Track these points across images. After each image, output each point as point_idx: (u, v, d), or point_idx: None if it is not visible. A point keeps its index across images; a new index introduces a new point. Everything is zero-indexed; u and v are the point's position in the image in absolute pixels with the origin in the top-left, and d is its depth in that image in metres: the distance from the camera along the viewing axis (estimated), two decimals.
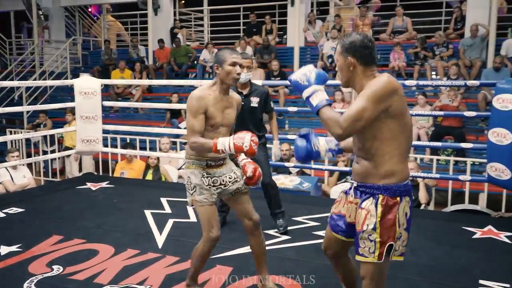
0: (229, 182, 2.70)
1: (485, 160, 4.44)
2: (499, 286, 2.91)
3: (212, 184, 2.66)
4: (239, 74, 2.59)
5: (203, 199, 2.62)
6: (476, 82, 4.93)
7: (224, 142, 2.45)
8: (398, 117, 1.98)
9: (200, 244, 2.69)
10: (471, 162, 6.12)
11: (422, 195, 5.07)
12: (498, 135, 3.94)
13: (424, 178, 5.05)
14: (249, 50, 10.27)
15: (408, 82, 5.31)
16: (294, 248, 3.51)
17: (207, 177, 2.65)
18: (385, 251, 2.01)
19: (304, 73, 2.09)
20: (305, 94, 2.06)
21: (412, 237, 2.96)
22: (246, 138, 2.42)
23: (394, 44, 9.17)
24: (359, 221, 2.06)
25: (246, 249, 3.47)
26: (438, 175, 5.19)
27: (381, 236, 2.00)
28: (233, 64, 2.57)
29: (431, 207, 5.54)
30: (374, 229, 2.01)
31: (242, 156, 2.71)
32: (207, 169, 2.65)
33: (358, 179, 2.12)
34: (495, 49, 8.37)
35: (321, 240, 3.64)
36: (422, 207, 5.11)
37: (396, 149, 2.01)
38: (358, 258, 2.07)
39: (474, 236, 3.80)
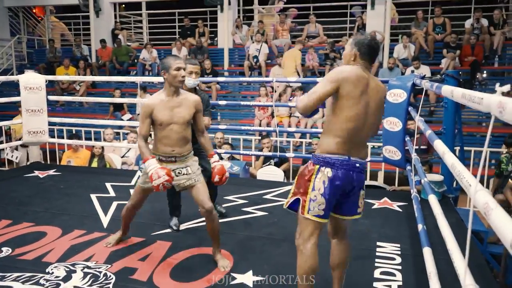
0: (177, 176, 2.76)
1: (381, 144, 4.67)
2: (392, 245, 3.10)
3: None
4: (183, 77, 2.69)
5: (143, 185, 2.83)
6: None
7: (149, 166, 2.64)
8: (345, 97, 2.00)
9: (128, 204, 2.97)
10: (372, 146, 6.43)
11: None
12: (391, 123, 4.15)
13: None
14: (184, 50, 10.09)
15: (320, 79, 5.44)
16: (226, 223, 3.52)
17: None
18: (291, 201, 2.09)
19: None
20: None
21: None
22: (160, 179, 2.58)
23: (308, 47, 9.38)
24: None
25: (182, 226, 3.45)
26: None
27: (294, 189, 2.11)
28: (178, 69, 2.68)
29: None
30: (292, 183, 2.17)
31: (214, 158, 2.85)
32: (159, 162, 2.74)
33: None
34: (389, 52, 8.83)
35: (249, 216, 3.70)
36: None
37: (334, 125, 2.04)
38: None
39: (373, 207, 3.99)
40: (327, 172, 2.03)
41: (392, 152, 4.23)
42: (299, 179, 2.09)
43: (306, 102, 2.02)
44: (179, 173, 2.78)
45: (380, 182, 5.86)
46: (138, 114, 2.83)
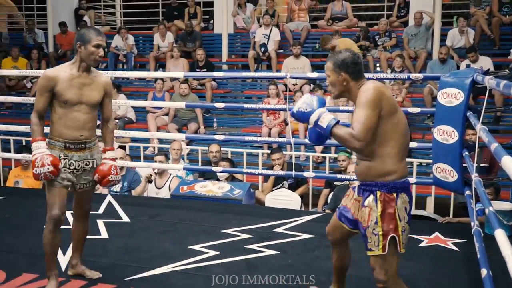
0: (84, 170, 3.12)
1: (430, 161, 4.65)
2: None
3: (68, 167, 3.05)
4: (100, 56, 3.01)
5: (54, 181, 3.03)
6: (420, 75, 5.17)
7: (37, 149, 2.95)
8: (389, 117, 2.45)
9: (45, 228, 3.15)
10: (418, 163, 6.41)
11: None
12: (443, 133, 4.14)
13: None
14: (170, 37, 10.18)
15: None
16: (223, 265, 3.51)
17: (63, 159, 3.04)
18: (387, 242, 2.48)
19: (304, 102, 2.53)
20: (312, 119, 2.50)
21: (354, 248, 3.06)
22: (43, 167, 2.91)
23: (333, 32, 9.42)
24: (364, 219, 2.54)
25: (166, 269, 3.45)
26: None
27: (383, 229, 2.48)
28: (97, 46, 2.98)
29: None
30: (376, 223, 2.48)
31: (108, 154, 3.22)
32: (65, 150, 3.04)
33: (360, 178, 2.61)
34: (440, 39, 8.85)
35: (254, 255, 3.70)
36: None
37: (392, 149, 2.49)
38: (368, 253, 2.55)
39: (421, 245, 3.97)
40: (405, 196, 2.53)
41: (445, 172, 4.21)
42: (386, 216, 2.48)
43: (365, 140, 2.41)
44: (86, 165, 3.13)
45: (429, 211, 5.83)
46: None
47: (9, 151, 6.86)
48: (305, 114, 2.52)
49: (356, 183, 2.72)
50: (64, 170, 3.04)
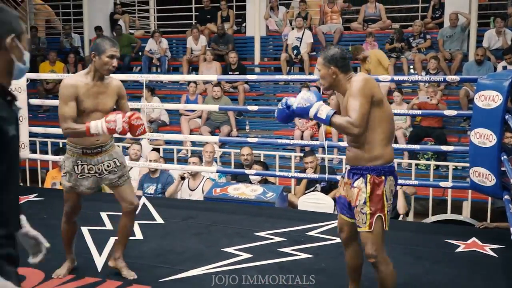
0: (106, 171, 3.25)
1: (467, 165, 4.58)
2: None
3: (87, 172, 3.21)
4: (114, 67, 3.11)
5: (68, 186, 3.24)
6: (457, 78, 5.09)
7: (97, 125, 2.95)
8: (378, 105, 2.68)
9: (62, 220, 3.41)
10: (453, 167, 6.31)
11: (400, 205, 5.18)
12: (480, 136, 4.07)
13: (402, 185, 5.17)
14: (203, 40, 10.26)
15: (382, 77, 5.42)
16: (256, 268, 3.51)
17: (81, 164, 3.19)
18: (374, 221, 2.71)
19: (302, 98, 2.75)
20: (311, 112, 2.71)
21: (389, 252, 3.03)
22: (117, 121, 2.94)
23: (367, 34, 9.35)
24: (353, 198, 2.78)
25: (199, 271, 3.48)
26: (417, 182, 5.32)
27: (371, 208, 2.71)
28: (111, 56, 3.09)
29: (410, 217, 5.68)
30: (364, 203, 2.72)
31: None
32: (82, 156, 3.19)
33: (351, 163, 2.84)
34: (476, 40, 8.69)
35: (288, 258, 3.70)
36: (400, 217, 5.23)
37: (379, 135, 2.71)
38: (358, 230, 2.78)
39: (457, 250, 3.91)
40: (392, 179, 2.77)
41: (482, 176, 4.14)
42: (374, 197, 2.71)
43: (362, 126, 2.64)
44: (108, 166, 3.25)
45: (466, 216, 5.72)
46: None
47: (46, 153, 6.99)
48: (305, 109, 2.73)
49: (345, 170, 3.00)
50: (82, 176, 3.22)
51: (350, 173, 2.85)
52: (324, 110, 2.69)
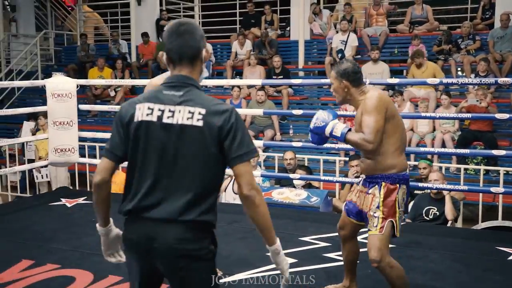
0: None
1: None
2: None
3: None
4: None
5: None
6: (508, 80, 4.93)
7: None
8: (391, 119, 2.84)
9: None
10: (505, 172, 6.13)
11: (449, 210, 5.06)
12: None
13: (450, 190, 5.05)
14: (248, 44, 10.31)
15: (430, 80, 5.32)
16: (301, 273, 3.49)
17: None
18: (385, 226, 2.83)
19: (318, 118, 2.90)
20: (327, 131, 2.86)
21: (437, 259, 2.97)
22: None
23: (413, 36, 9.20)
24: (367, 204, 2.92)
25: (244, 275, 3.48)
26: (466, 187, 5.18)
27: (383, 213, 2.85)
28: None
29: (459, 224, 5.54)
30: (378, 207, 2.85)
31: None
32: None
33: (366, 173, 2.98)
34: None
35: (333, 264, 3.67)
36: (449, 224, 5.11)
37: (393, 146, 2.86)
38: (368, 233, 2.90)
39: (510, 258, 3.79)
40: (404, 188, 2.91)
41: None
42: (387, 203, 2.85)
43: (376, 142, 2.79)
44: None
45: None
46: None
47: (94, 157, 7.15)
48: (320, 128, 2.88)
49: (358, 180, 3.13)
50: None
51: (365, 182, 2.99)
52: (339, 128, 2.84)
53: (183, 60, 1.97)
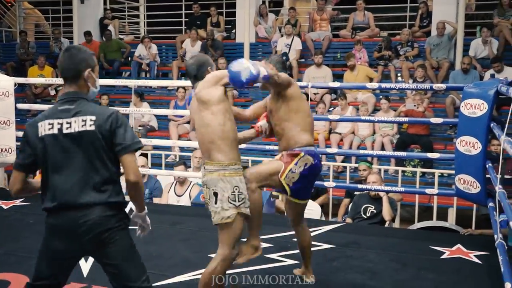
0: None
1: (453, 172, 4.60)
2: None
3: None
4: None
5: (247, 211, 2.96)
6: (443, 86, 5.13)
7: None
8: (299, 98, 3.28)
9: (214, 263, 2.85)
10: (439, 174, 6.34)
11: (386, 211, 5.20)
12: (466, 144, 4.09)
13: (388, 192, 5.19)
14: (198, 45, 10.23)
15: (370, 85, 5.45)
16: (243, 274, 3.50)
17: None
18: (282, 169, 3.16)
19: (247, 64, 2.88)
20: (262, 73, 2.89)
21: (375, 259, 3.04)
22: None
23: (355, 42, 9.40)
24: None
25: (186, 277, 3.45)
26: (403, 189, 5.35)
27: (285, 166, 3.16)
28: None
29: (397, 224, 5.69)
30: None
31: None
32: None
33: (284, 150, 3.26)
34: (463, 49, 8.75)
35: (274, 264, 3.69)
36: (387, 224, 5.24)
37: (302, 122, 3.22)
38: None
39: (442, 256, 3.92)
40: (310, 159, 3.16)
41: (468, 183, 4.16)
42: (288, 158, 3.15)
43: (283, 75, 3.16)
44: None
45: (451, 223, 5.76)
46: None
47: None
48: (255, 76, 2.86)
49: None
50: None
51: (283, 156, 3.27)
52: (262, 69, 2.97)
53: (68, 80, 2.42)
